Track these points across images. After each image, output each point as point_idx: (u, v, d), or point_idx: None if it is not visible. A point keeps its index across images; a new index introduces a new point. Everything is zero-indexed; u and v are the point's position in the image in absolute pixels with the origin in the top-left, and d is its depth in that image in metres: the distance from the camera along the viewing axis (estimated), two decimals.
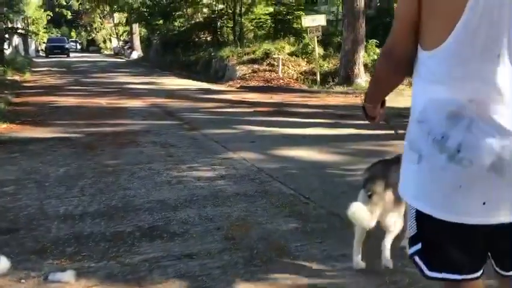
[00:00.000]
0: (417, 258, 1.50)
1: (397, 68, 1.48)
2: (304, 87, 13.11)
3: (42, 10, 43.63)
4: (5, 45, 21.39)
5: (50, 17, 46.77)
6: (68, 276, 2.65)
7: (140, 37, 35.95)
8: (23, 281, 2.63)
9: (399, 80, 1.56)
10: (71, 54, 39.65)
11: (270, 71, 15.27)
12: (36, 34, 36.20)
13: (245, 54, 16.71)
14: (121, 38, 44.36)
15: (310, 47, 14.77)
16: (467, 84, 1.32)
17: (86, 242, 3.14)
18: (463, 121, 1.32)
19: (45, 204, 3.89)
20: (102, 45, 51.24)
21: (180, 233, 3.28)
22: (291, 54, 15.63)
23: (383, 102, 1.72)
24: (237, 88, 14.04)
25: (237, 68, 16.10)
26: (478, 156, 1.32)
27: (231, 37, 21.57)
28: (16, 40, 30.92)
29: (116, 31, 44.36)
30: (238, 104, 10.34)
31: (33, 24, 39.63)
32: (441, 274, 1.48)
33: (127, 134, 6.87)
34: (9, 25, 22.39)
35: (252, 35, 21.10)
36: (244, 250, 3.00)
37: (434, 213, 1.41)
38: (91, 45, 54.64)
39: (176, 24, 27.31)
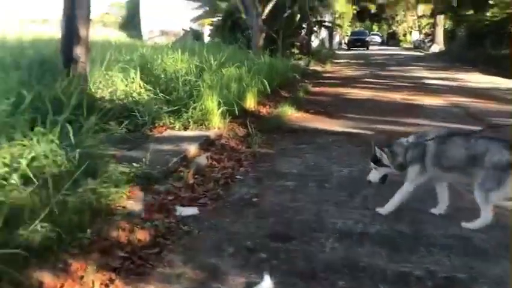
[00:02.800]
0: None
1: None
2: None
3: (350, 5, 45.84)
4: (313, 38, 23.11)
5: (355, 11, 48.77)
6: None
7: (444, 30, 33.63)
8: None
9: None
10: (370, 47, 40.44)
11: None
12: (341, 27, 38.25)
13: None
14: (423, 31, 42.71)
15: None
16: None
17: (361, 278, 2.49)
18: None
19: (322, 211, 3.45)
20: (402, 38, 50.61)
21: None
22: None
23: None
24: None
25: None
26: None
27: None
28: (323, 33, 33.31)
29: (419, 23, 42.91)
30: None
31: (339, 18, 42.02)
32: None
33: None
34: (319, 18, 24.06)
35: None
36: None
37: None
38: (391, 39, 54.79)
39: (489, 14, 24.18)
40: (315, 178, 4.24)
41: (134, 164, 3.72)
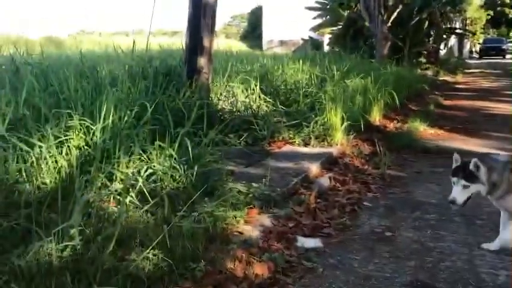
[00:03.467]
0: None
1: None
2: None
3: (483, 10, 42.10)
4: (441, 46, 21.40)
5: (489, 17, 44.70)
6: None
7: None
8: None
9: None
10: (507, 56, 36.59)
11: None
12: (474, 34, 35.15)
13: None
14: None
15: None
16: None
17: None
18: None
19: (476, 256, 2.80)
20: None
21: None
22: None
23: None
24: None
25: None
26: None
27: None
28: (452, 41, 30.89)
29: None
30: None
31: (471, 25, 38.79)
32: None
33: None
34: (448, 25, 22.24)
35: None
36: None
37: None
38: None
39: None
40: (460, 211, 3.55)
41: (253, 184, 3.42)
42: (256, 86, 6.29)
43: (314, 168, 4.23)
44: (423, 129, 6.59)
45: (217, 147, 4.61)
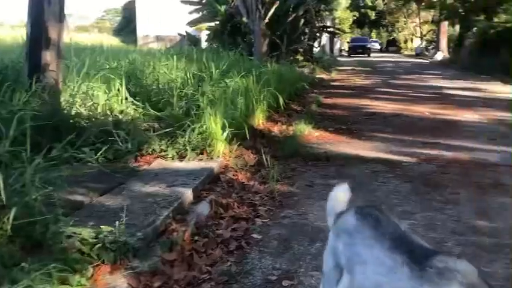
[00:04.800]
0: None
1: None
2: None
3: (349, 11, 44.93)
4: (315, 44, 21.93)
5: (355, 18, 47.85)
6: None
7: (448, 36, 32.65)
8: None
9: None
10: (372, 54, 39.42)
11: None
12: (345, 33, 37.14)
13: None
14: (424, 38, 41.79)
15: None
16: None
17: None
18: None
19: None
20: (402, 45, 49.75)
21: None
22: None
23: None
24: None
25: None
26: None
27: None
28: (324, 39, 32.20)
29: (421, 30, 41.96)
30: None
31: (340, 24, 41.04)
32: None
33: (479, 166, 4.72)
34: (321, 24, 22.90)
35: None
36: None
37: None
38: (390, 45, 53.93)
39: (498, 20, 23.18)
40: None
41: (102, 228, 2.46)
42: (121, 85, 5.28)
43: (190, 191, 3.39)
44: (308, 132, 6.12)
45: (67, 165, 3.59)
